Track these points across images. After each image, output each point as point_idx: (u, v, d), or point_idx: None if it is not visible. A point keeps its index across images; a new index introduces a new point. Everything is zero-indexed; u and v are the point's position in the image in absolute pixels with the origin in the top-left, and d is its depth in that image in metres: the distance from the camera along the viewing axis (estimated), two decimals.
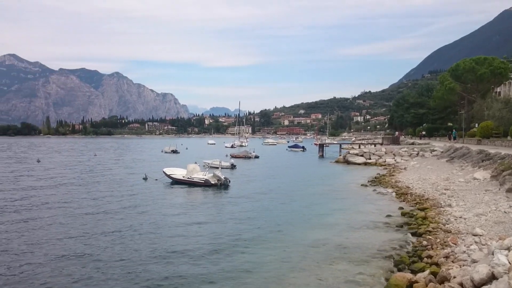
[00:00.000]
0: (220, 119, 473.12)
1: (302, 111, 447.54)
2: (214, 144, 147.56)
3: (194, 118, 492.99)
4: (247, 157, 70.07)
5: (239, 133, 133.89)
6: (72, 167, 51.97)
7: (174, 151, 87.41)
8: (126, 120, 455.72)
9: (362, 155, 56.63)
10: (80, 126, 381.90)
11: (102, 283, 12.18)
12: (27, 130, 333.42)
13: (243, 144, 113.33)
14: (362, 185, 33.52)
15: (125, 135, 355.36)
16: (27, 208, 23.72)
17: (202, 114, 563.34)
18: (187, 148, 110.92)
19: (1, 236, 17.24)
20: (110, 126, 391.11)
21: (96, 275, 12.75)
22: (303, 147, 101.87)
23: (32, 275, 12.75)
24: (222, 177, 34.09)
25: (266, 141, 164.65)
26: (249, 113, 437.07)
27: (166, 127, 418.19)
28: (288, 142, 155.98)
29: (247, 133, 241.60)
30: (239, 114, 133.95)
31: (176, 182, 35.23)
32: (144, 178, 38.26)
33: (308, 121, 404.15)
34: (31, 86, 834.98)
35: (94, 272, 12.99)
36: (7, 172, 45.42)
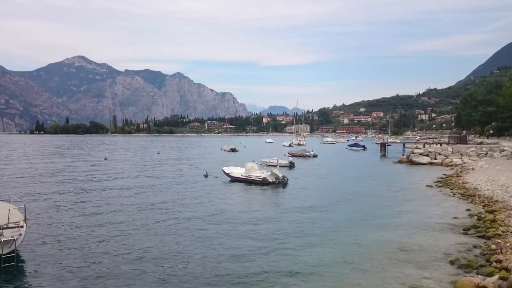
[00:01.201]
0: (278, 118, 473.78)
1: (362, 109, 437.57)
2: (272, 142, 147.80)
3: (252, 116, 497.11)
4: (305, 156, 69.58)
5: (297, 131, 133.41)
6: (137, 165, 54.09)
7: (233, 150, 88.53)
8: (187, 119, 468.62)
9: (427, 155, 54.48)
10: (144, 125, 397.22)
11: (158, 277, 12.53)
12: (95, 128, 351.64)
13: (301, 142, 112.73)
14: (427, 186, 32.21)
15: (186, 134, 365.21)
16: (94, 204, 24.91)
17: (260, 113, 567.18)
18: (245, 147, 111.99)
19: (77, 229, 18.21)
20: (172, 125, 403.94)
21: (162, 270, 13.11)
22: (363, 146, 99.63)
23: (113, 269, 13.30)
24: (280, 175, 34.03)
25: (325, 139, 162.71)
26: (308, 112, 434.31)
27: (224, 126, 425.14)
28: (348, 140, 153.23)
29: (305, 131, 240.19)
30: (297, 113, 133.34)
31: (234, 180, 35.65)
32: (204, 176, 39.04)
33: (369, 119, 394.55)
34: (99, 87, 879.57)
35: (161, 266, 13.37)
36: (78, 169, 48.07)
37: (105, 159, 62.87)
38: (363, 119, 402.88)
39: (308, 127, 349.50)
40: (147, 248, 15.26)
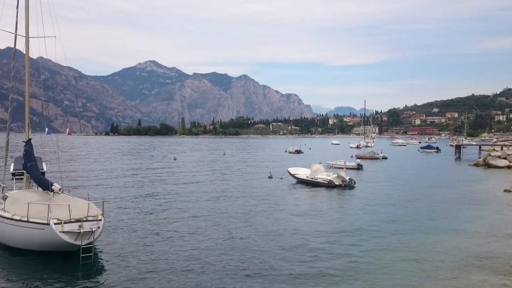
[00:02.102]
0: (345, 119, 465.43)
1: (435, 110, 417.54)
2: (338, 144, 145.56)
3: (317, 118, 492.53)
4: (374, 158, 67.62)
5: (365, 133, 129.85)
6: (204, 165, 55.34)
7: (298, 151, 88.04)
8: (252, 121, 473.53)
9: (505, 158, 51.03)
10: (211, 127, 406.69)
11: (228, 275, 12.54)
12: (165, 130, 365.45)
13: (369, 144, 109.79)
14: (505, 190, 30.02)
15: (251, 135, 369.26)
16: (164, 201, 25.71)
17: (326, 114, 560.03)
18: (310, 148, 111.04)
19: (150, 225, 18.84)
20: (237, 127, 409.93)
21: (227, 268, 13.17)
22: (437, 148, 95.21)
23: (184, 265, 13.62)
24: (347, 178, 33.24)
25: (395, 141, 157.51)
26: (376, 112, 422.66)
27: (289, 127, 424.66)
28: (420, 142, 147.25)
29: (374, 133, 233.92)
30: (364, 113, 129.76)
31: (300, 181, 35.28)
32: (269, 177, 39.05)
33: (443, 120, 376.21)
34: (168, 90, 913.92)
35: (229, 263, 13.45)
36: (150, 169, 50.08)
37: (174, 159, 64.94)
38: (436, 120, 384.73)
39: (377, 129, 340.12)
40: (217, 245, 15.47)
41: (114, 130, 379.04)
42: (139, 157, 71.80)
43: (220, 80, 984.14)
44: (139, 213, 21.64)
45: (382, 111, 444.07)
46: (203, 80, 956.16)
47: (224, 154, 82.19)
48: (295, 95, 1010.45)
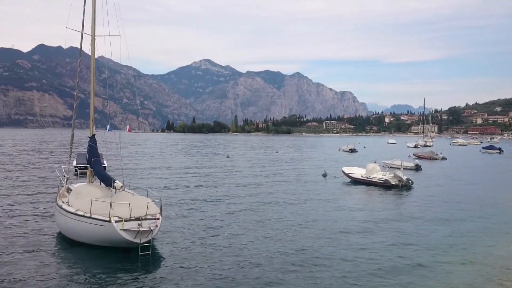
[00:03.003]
0: (402, 117, 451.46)
1: (498, 109, 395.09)
2: (395, 143, 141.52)
3: (373, 116, 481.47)
4: (432, 158, 65.04)
5: (423, 132, 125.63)
6: (257, 163, 55.50)
7: (352, 150, 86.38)
8: (305, 119, 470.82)
9: None
10: (263, 125, 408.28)
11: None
12: (218, 128, 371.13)
13: (428, 144, 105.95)
14: None
15: (303, 133, 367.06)
16: (220, 200, 25.97)
17: (382, 112, 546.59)
18: (365, 147, 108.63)
19: (206, 224, 19.07)
20: (290, 125, 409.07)
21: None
22: (499, 149, 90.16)
23: (241, 265, 13.68)
24: (404, 178, 32.12)
25: (455, 141, 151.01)
26: (435, 111, 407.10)
27: (343, 126, 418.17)
28: (481, 142, 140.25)
29: (433, 132, 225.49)
30: (423, 112, 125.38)
31: (354, 181, 34.52)
32: (323, 175, 38.51)
33: (506, 119, 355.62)
34: (222, 88, 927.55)
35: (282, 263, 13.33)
36: (205, 166, 50.94)
37: (227, 157, 65.64)
38: (498, 119, 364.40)
39: (436, 127, 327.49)
40: (271, 243, 15.36)
41: (169, 127, 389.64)
42: (194, 154, 73.20)
43: (273, 78, 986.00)
44: (194, 210, 21.91)
45: (442, 110, 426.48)
46: (256, 78, 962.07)
47: (277, 152, 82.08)
48: (350, 92, 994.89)
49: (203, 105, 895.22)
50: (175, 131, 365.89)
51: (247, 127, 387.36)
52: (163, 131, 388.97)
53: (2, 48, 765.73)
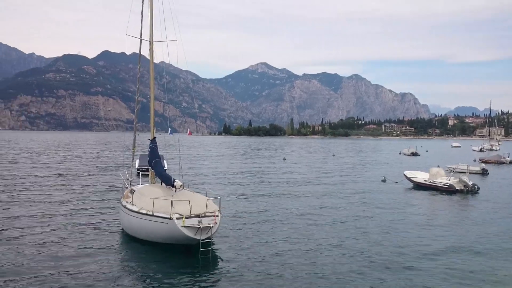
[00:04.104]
0: (466, 120, 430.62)
1: None
2: (459, 147, 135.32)
3: (435, 118, 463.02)
4: (500, 162, 61.39)
5: (489, 135, 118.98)
6: (313, 166, 54.95)
7: (414, 154, 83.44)
8: (363, 121, 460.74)
9: None
10: (319, 127, 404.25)
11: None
12: (274, 131, 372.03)
13: (494, 147, 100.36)
14: None
15: (361, 136, 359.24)
16: (275, 201, 25.89)
17: (445, 114, 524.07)
18: (427, 151, 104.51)
19: (262, 224, 19.12)
20: (347, 127, 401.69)
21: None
22: None
23: (297, 266, 13.58)
24: (470, 183, 30.51)
25: None
26: (502, 113, 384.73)
27: (404, 128, 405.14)
28: None
29: (499, 135, 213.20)
30: (489, 114, 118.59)
31: (417, 186, 33.23)
32: (383, 180, 37.42)
33: None
34: (278, 91, 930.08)
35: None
36: (261, 168, 51.21)
37: (284, 159, 65.53)
38: None
39: (503, 130, 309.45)
40: (329, 247, 15.07)
41: (226, 130, 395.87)
42: (250, 157, 73.80)
43: (330, 80, 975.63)
44: (251, 211, 22.04)
45: (509, 112, 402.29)
46: (312, 81, 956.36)
47: (334, 155, 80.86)
48: (411, 94, 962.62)
49: (259, 108, 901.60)
50: (231, 134, 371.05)
51: (303, 130, 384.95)
52: (220, 134, 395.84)
53: (70, 54, 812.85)
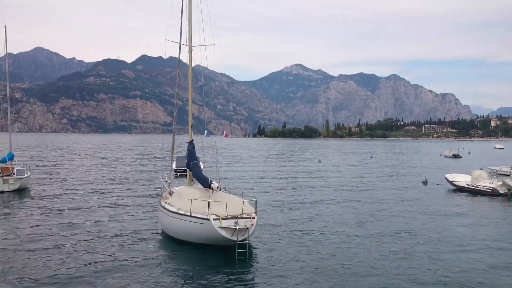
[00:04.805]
0: (510, 121, 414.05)
1: None
2: (503, 148, 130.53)
3: (477, 119, 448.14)
4: None
5: None
6: (350, 168, 54.12)
7: (456, 156, 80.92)
8: (401, 123, 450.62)
9: None
10: (356, 129, 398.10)
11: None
12: (309, 132, 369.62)
13: None
14: None
15: (400, 138, 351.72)
16: (312, 204, 25.59)
17: (487, 115, 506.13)
18: (469, 153, 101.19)
19: (298, 226, 18.93)
20: (385, 129, 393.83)
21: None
22: None
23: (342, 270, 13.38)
24: None
25: None
26: None
27: (444, 130, 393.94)
28: None
29: None
30: None
31: (458, 189, 32.13)
32: (423, 182, 36.41)
33: None
34: (313, 92, 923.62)
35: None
36: (297, 170, 50.93)
37: (319, 161, 64.89)
38: None
39: None
40: (367, 253, 14.72)
41: (260, 132, 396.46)
42: (285, 159, 73.55)
43: (367, 81, 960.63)
44: (287, 213, 21.95)
45: None
46: (348, 81, 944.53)
47: (371, 157, 79.39)
48: (452, 94, 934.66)
49: (294, 110, 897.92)
50: (266, 136, 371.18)
51: (339, 132, 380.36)
52: (254, 136, 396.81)
53: (109, 59, 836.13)
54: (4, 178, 27.63)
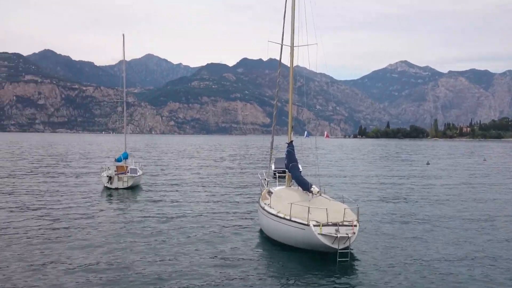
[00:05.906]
0: None
1: None
2: None
3: None
4: None
5: None
6: (463, 171, 50.13)
7: None
8: None
9: None
10: (468, 129, 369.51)
11: None
12: (415, 133, 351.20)
13: None
14: None
15: None
16: (418, 208, 24.07)
17: None
18: None
19: (403, 238, 17.92)
20: (500, 129, 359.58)
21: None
22: None
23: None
24: None
25: None
26: None
27: None
28: None
29: None
30: None
31: None
32: None
33: None
34: (420, 90, 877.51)
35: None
36: (402, 173, 48.58)
37: (427, 164, 61.10)
38: None
39: None
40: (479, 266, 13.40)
41: (361, 132, 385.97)
42: (389, 160, 70.57)
43: (479, 77, 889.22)
44: (391, 219, 20.69)
45: None
46: (459, 78, 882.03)
47: (485, 160, 72.87)
48: None
49: (399, 109, 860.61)
50: (367, 136, 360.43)
51: (449, 132, 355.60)
52: (355, 136, 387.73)
53: (212, 63, 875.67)
54: (119, 176, 29.94)
